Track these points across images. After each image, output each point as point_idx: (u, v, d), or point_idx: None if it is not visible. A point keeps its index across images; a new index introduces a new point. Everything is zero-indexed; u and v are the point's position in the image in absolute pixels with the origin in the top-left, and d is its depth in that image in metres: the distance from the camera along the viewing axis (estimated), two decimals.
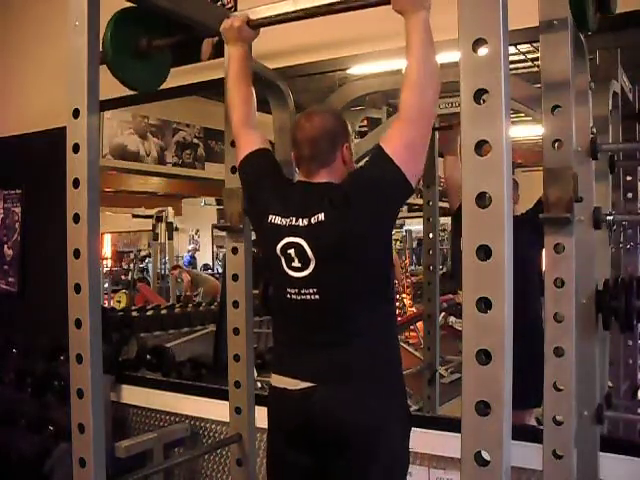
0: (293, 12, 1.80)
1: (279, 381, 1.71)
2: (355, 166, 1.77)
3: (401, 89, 1.56)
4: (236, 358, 2.08)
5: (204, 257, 10.63)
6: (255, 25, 1.86)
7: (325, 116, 1.75)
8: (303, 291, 1.65)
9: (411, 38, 1.51)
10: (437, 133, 3.52)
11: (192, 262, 9.83)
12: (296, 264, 1.65)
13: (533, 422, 2.67)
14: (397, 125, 1.57)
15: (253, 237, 2.05)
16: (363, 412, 1.59)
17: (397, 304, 6.94)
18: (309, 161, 1.71)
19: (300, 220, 1.65)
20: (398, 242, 8.96)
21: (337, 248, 1.61)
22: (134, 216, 8.66)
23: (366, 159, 1.71)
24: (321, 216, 1.61)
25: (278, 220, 1.69)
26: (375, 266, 1.65)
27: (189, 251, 10.32)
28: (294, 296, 1.66)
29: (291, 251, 1.65)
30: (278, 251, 1.67)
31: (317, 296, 1.63)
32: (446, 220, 5.08)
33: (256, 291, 2.15)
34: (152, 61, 1.95)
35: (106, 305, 6.81)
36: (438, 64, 1.54)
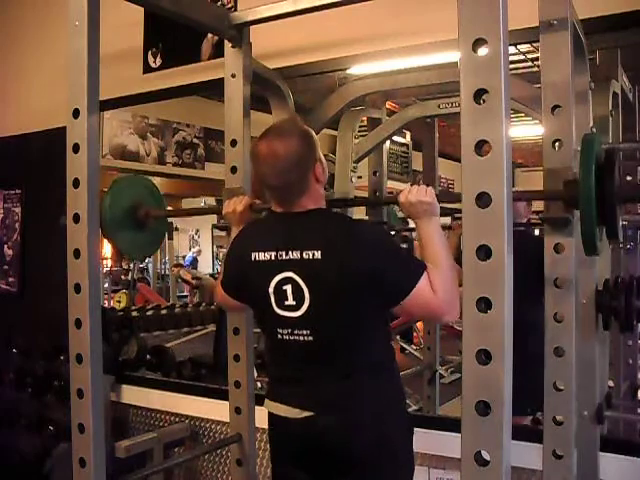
0: (293, 12, 1.80)
1: (277, 409, 1.65)
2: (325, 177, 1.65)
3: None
4: (236, 358, 2.08)
5: (204, 257, 10.63)
6: (258, 209, 1.85)
7: (287, 140, 1.57)
8: (296, 332, 1.57)
9: (427, 246, 1.54)
10: (437, 132, 3.53)
11: (194, 263, 9.84)
12: (289, 302, 1.56)
13: None
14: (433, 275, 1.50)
15: None
16: (366, 435, 1.56)
17: None
18: (283, 194, 1.60)
19: (290, 253, 1.55)
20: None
21: (335, 288, 1.52)
22: None
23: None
24: (317, 254, 1.52)
25: (262, 256, 1.59)
26: (374, 306, 1.56)
27: (193, 252, 10.32)
28: (286, 337, 1.59)
29: (287, 287, 1.56)
30: (271, 289, 1.58)
31: (311, 337, 1.56)
32: (446, 220, 5.08)
33: None
34: (149, 230, 2.00)
35: (106, 305, 6.81)
36: (452, 259, 1.54)
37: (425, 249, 1.54)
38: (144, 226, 1.97)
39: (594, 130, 1.81)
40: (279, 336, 1.60)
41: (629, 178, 2.62)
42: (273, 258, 1.57)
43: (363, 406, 1.58)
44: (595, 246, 1.41)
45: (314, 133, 1.67)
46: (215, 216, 8.69)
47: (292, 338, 1.58)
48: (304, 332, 1.56)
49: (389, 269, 1.50)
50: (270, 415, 1.68)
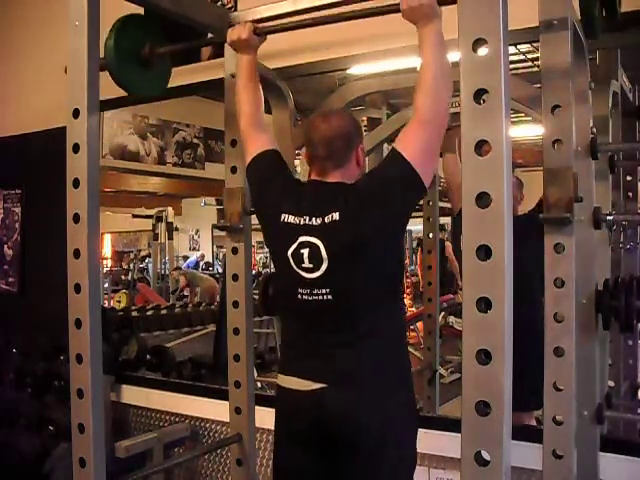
0: (293, 12, 1.80)
1: (288, 382, 1.70)
2: (366, 167, 1.78)
3: (415, 92, 1.55)
4: (236, 358, 2.08)
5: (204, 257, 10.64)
6: (262, 32, 1.86)
7: (341, 117, 1.76)
8: (315, 291, 1.65)
9: (424, 44, 1.51)
10: None
11: (196, 267, 9.84)
12: (307, 264, 1.65)
13: (533, 423, 2.67)
14: (412, 128, 1.57)
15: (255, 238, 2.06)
16: (373, 412, 1.61)
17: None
18: (324, 161, 1.72)
19: (314, 219, 1.65)
20: None
21: (350, 247, 1.62)
22: (134, 216, 8.68)
23: (381, 161, 1.72)
24: (335, 215, 1.62)
25: (291, 219, 1.69)
26: (387, 265, 1.66)
27: (197, 257, 10.32)
28: (305, 296, 1.66)
29: (305, 251, 1.65)
30: (291, 250, 1.67)
31: (330, 296, 1.64)
32: (446, 220, 5.08)
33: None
34: (154, 68, 1.95)
35: (106, 305, 6.81)
36: (450, 66, 1.52)
37: (422, 52, 1.52)
38: (150, 64, 1.93)
39: (594, 130, 1.81)
40: (299, 296, 1.67)
41: (629, 178, 2.62)
42: (299, 223, 1.67)
43: (374, 380, 1.63)
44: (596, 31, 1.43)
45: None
46: (215, 216, 8.71)
47: (311, 298, 1.65)
48: (323, 291, 1.64)
49: (390, 185, 1.59)
50: (280, 390, 1.73)
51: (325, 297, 1.64)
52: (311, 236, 1.65)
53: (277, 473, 1.79)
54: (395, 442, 1.63)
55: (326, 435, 1.64)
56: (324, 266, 1.63)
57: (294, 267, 1.67)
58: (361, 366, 1.64)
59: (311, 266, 1.64)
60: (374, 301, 1.66)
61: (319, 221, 1.65)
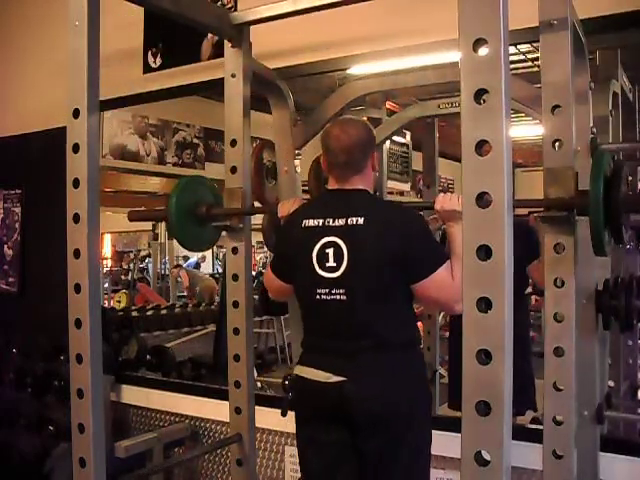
0: (293, 12, 1.80)
1: (309, 373, 1.78)
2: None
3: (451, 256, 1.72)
4: (236, 358, 2.08)
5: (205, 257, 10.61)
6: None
7: (358, 127, 1.86)
8: (334, 291, 1.74)
9: (455, 246, 1.71)
10: (437, 132, 3.53)
11: (196, 267, 9.82)
12: (330, 264, 1.74)
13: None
14: (445, 274, 1.69)
15: (254, 238, 2.06)
16: (392, 399, 1.70)
17: None
18: (343, 168, 1.82)
19: (336, 220, 1.75)
20: None
21: (372, 251, 1.70)
22: None
23: (422, 230, 1.79)
24: (360, 220, 1.72)
25: (312, 222, 1.79)
26: (405, 273, 1.72)
27: (198, 258, 10.31)
28: (324, 296, 1.75)
29: (329, 250, 1.74)
30: (315, 251, 1.76)
31: (345, 297, 1.72)
32: None
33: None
34: (207, 226, 2.08)
35: (106, 305, 6.81)
36: None
37: (454, 247, 1.72)
38: (204, 223, 2.07)
39: (594, 130, 1.81)
40: (317, 296, 1.76)
41: (629, 178, 2.62)
42: (320, 224, 1.78)
43: (391, 378, 1.72)
44: (604, 247, 1.48)
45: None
46: None
47: (330, 298, 1.74)
48: (340, 291, 1.73)
49: (417, 249, 1.72)
50: (299, 380, 1.81)
51: (341, 297, 1.73)
52: (334, 236, 1.74)
53: (302, 454, 1.88)
54: (412, 427, 1.73)
55: (347, 420, 1.73)
56: (343, 266, 1.72)
57: (316, 268, 1.75)
58: (378, 367, 1.72)
59: (335, 265, 1.73)
60: (387, 304, 1.74)
61: (342, 222, 1.74)
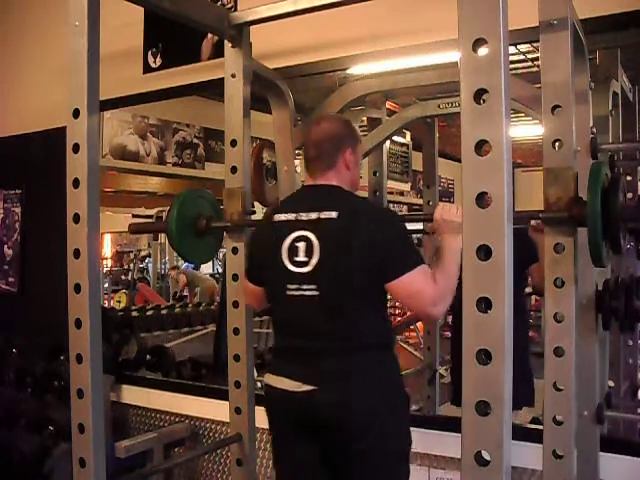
0: (293, 12, 1.80)
1: (279, 382, 1.72)
2: (359, 173, 1.86)
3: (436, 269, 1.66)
4: (236, 358, 2.08)
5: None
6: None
7: (332, 121, 1.85)
8: (304, 287, 1.68)
9: (445, 255, 1.67)
10: (437, 132, 3.53)
11: (195, 267, 9.81)
12: (300, 258, 1.68)
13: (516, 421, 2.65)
14: (424, 280, 1.64)
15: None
16: (364, 408, 1.64)
17: (397, 304, 6.95)
18: (314, 162, 1.79)
19: (308, 214, 1.70)
20: None
21: (344, 246, 1.65)
22: (134, 216, 8.66)
23: (394, 228, 1.74)
24: (333, 214, 1.67)
25: (283, 217, 1.75)
26: (377, 272, 1.66)
27: None
28: (294, 291, 1.69)
29: (300, 244, 1.69)
30: (286, 245, 1.71)
31: (316, 292, 1.67)
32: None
33: None
34: (206, 238, 2.09)
35: (106, 305, 6.80)
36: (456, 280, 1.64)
37: (443, 258, 1.67)
38: (203, 235, 2.07)
39: (594, 130, 1.81)
40: (287, 292, 1.71)
41: (629, 178, 2.62)
42: (292, 219, 1.73)
43: (361, 383, 1.66)
44: (602, 259, 1.49)
45: (358, 132, 1.91)
46: None
47: (299, 294, 1.69)
48: (310, 287, 1.67)
49: (389, 247, 1.65)
50: (269, 388, 1.75)
51: (311, 292, 1.67)
52: (305, 230, 1.69)
53: (277, 463, 1.83)
54: (383, 436, 1.65)
55: (317, 429, 1.68)
56: (314, 260, 1.67)
57: (286, 262, 1.70)
58: (349, 372, 1.66)
59: (305, 259, 1.68)
60: (360, 306, 1.68)
61: (314, 216, 1.69)
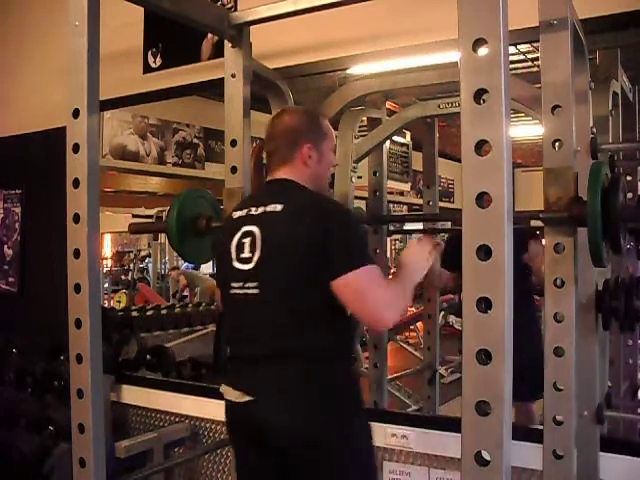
0: (293, 12, 1.80)
1: (226, 392, 1.67)
2: (327, 172, 1.76)
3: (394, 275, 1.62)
4: None
5: None
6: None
7: (293, 114, 1.76)
8: (247, 285, 1.60)
9: (404, 269, 1.63)
10: (437, 132, 3.53)
11: (195, 267, 9.81)
12: (245, 254, 1.60)
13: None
14: (370, 285, 1.52)
15: None
16: (301, 426, 1.55)
17: None
18: (271, 156, 1.74)
19: (257, 209, 1.64)
20: (398, 242, 8.97)
21: (285, 241, 1.56)
22: (134, 216, 8.66)
23: (341, 219, 1.62)
24: (278, 207, 1.59)
25: (238, 214, 1.69)
26: (317, 275, 1.53)
27: None
28: (237, 290, 1.61)
29: (246, 240, 1.61)
30: (234, 241, 1.64)
31: (257, 290, 1.57)
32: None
33: None
34: (206, 238, 2.06)
35: (106, 305, 6.81)
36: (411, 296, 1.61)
37: (401, 270, 1.63)
38: (203, 235, 2.07)
39: (594, 130, 1.81)
40: (232, 291, 1.63)
41: (629, 178, 2.62)
42: (244, 214, 1.66)
43: (306, 402, 1.54)
44: (602, 259, 1.49)
45: (327, 127, 1.77)
46: None
47: (242, 292, 1.60)
48: (252, 284, 1.58)
49: (335, 242, 1.52)
50: (224, 399, 1.70)
51: (253, 291, 1.58)
52: (252, 225, 1.62)
53: (236, 469, 1.78)
54: (328, 455, 1.54)
55: (263, 441, 1.59)
56: (256, 257, 1.58)
57: (233, 260, 1.62)
58: (290, 386, 1.56)
59: (249, 255, 1.59)
60: (305, 307, 1.56)
61: (261, 210, 1.62)
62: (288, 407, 1.55)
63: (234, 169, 2.06)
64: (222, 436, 2.81)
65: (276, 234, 1.58)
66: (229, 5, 2.82)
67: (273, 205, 1.60)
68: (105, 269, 8.81)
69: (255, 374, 1.60)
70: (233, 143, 2.06)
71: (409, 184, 5.86)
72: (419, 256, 1.65)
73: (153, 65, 3.09)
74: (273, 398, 1.56)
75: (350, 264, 1.50)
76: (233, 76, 2.06)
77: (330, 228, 1.54)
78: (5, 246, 3.87)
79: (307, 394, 1.56)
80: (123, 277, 9.34)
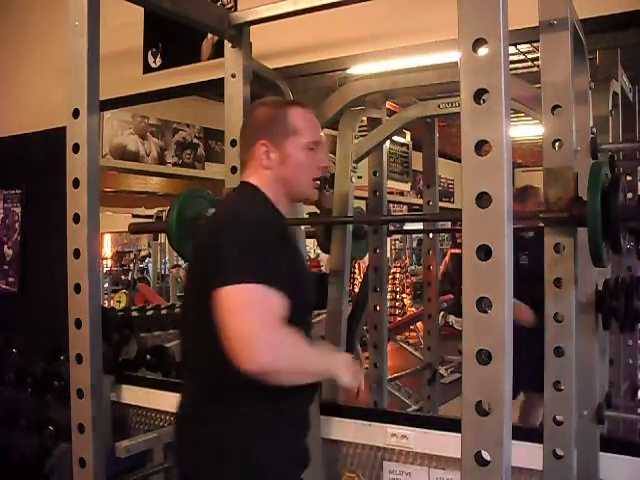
0: (293, 12, 1.80)
1: None
2: (300, 174, 1.50)
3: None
4: None
5: None
6: None
7: (259, 107, 1.54)
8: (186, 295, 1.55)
9: (320, 353, 1.43)
10: (437, 132, 3.53)
11: None
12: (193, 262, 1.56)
13: None
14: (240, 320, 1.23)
15: None
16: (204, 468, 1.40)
17: (397, 304, 6.95)
18: (240, 157, 1.60)
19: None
20: (398, 242, 8.97)
21: (198, 250, 1.48)
22: (134, 216, 8.67)
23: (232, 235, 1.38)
24: (211, 215, 1.57)
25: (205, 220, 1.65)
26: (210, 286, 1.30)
27: None
28: (182, 300, 1.57)
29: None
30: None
31: (185, 301, 1.52)
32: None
33: None
34: None
35: (106, 305, 6.81)
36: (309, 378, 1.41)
37: (323, 347, 1.54)
38: None
39: (594, 130, 1.81)
40: (181, 301, 1.61)
41: (629, 178, 2.62)
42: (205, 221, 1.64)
43: (212, 457, 1.38)
44: (602, 259, 1.49)
45: (298, 121, 1.49)
46: None
47: (183, 302, 1.58)
48: (183, 300, 1.57)
49: (220, 254, 1.29)
50: None
51: (185, 302, 1.52)
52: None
53: None
54: None
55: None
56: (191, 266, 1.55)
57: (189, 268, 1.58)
58: (197, 429, 1.40)
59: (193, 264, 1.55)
60: (207, 328, 1.28)
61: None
62: (196, 465, 1.44)
63: (234, 169, 2.06)
64: None
65: (198, 243, 1.50)
66: (229, 5, 2.82)
67: (211, 210, 1.58)
68: (105, 269, 8.81)
69: (181, 402, 1.54)
70: (233, 143, 2.06)
71: (409, 184, 5.86)
72: (342, 363, 1.43)
73: (153, 65, 3.09)
74: (188, 438, 1.48)
75: (226, 276, 1.24)
76: (233, 76, 2.06)
77: (219, 237, 1.34)
78: (5, 246, 3.87)
79: (222, 453, 1.41)
80: (123, 277, 9.33)
